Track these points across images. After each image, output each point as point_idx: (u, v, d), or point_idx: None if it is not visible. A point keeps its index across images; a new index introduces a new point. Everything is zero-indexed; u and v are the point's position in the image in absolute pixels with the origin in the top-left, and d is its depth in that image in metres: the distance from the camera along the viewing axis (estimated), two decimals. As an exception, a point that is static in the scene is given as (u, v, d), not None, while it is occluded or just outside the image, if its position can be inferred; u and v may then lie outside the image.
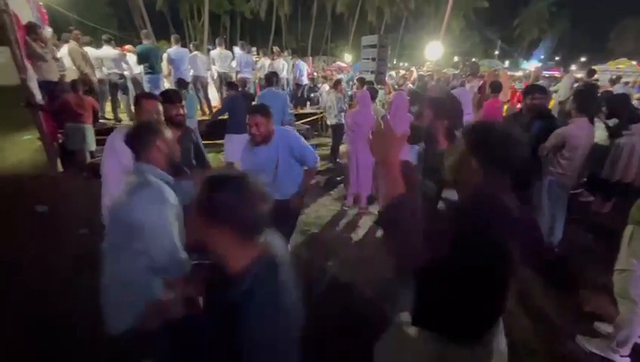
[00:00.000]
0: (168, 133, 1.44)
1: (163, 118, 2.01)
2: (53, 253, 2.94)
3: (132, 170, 1.37)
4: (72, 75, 5.56)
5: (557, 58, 35.49)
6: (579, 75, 9.19)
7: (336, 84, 5.53)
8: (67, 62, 5.68)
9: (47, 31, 5.65)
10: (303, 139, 2.43)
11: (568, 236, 3.32)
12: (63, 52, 5.76)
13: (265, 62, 8.50)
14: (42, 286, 2.52)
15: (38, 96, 4.58)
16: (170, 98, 2.18)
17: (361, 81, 5.35)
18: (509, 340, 2.17)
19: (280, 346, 0.84)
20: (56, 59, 5.34)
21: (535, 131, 2.91)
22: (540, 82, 9.26)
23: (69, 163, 4.80)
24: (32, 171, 4.91)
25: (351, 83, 9.50)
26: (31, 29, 4.56)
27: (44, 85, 4.72)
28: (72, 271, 2.67)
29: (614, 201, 4.23)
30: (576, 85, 7.34)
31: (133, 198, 1.26)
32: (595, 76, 7.29)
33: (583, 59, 31.37)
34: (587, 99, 2.78)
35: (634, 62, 14.06)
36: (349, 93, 8.00)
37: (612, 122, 3.77)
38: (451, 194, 1.23)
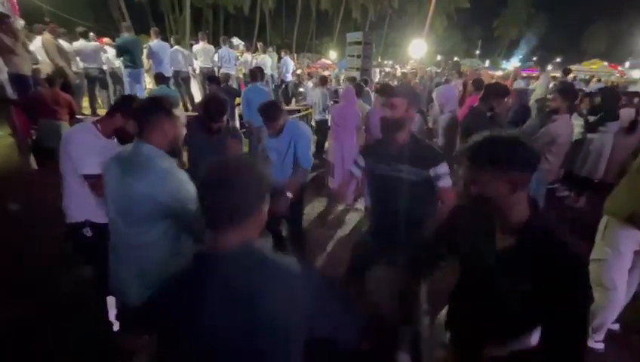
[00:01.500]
0: (179, 115, 1.40)
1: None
2: (28, 251, 2.82)
3: (131, 149, 1.33)
4: (45, 68, 5.31)
5: (534, 58, 36.70)
6: (554, 75, 9.55)
7: (323, 81, 5.52)
8: (41, 54, 5.43)
9: (19, 22, 5.36)
10: (310, 140, 2.53)
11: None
12: (36, 44, 5.51)
13: (248, 57, 8.40)
14: (17, 284, 2.42)
15: (9, 89, 4.35)
16: (212, 116, 2.22)
17: (352, 82, 5.43)
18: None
19: None
20: (29, 52, 5.09)
21: None
22: (518, 81, 9.61)
23: (43, 160, 4.60)
24: (3, 169, 4.67)
25: (334, 80, 9.54)
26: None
27: (16, 79, 4.49)
28: (46, 269, 2.59)
29: (587, 196, 4.42)
30: (552, 84, 7.63)
31: (151, 179, 1.25)
32: (570, 75, 7.58)
33: (558, 59, 32.62)
34: (573, 97, 2.89)
35: (605, 63, 14.72)
36: (333, 89, 8.02)
37: (593, 118, 3.93)
38: None
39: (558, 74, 10.27)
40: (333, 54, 24.97)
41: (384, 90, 3.81)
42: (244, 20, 30.76)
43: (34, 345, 1.97)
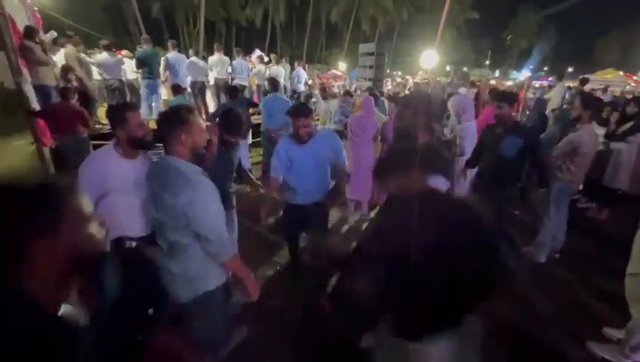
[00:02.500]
0: (197, 121, 1.43)
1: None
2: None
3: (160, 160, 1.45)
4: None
5: (545, 68, 36.41)
6: (569, 84, 9.42)
7: (346, 94, 5.54)
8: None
9: (52, 34, 5.59)
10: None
11: (569, 242, 3.34)
12: (59, 56, 5.69)
13: (261, 68, 8.52)
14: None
15: (33, 100, 4.49)
16: (230, 129, 2.27)
17: (370, 92, 5.46)
18: (517, 345, 2.16)
19: None
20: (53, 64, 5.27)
21: (512, 150, 2.57)
22: (532, 91, 9.51)
23: (62, 168, 4.70)
24: (24, 177, 4.77)
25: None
26: (31, 33, 4.49)
27: (40, 89, 4.63)
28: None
29: (612, 208, 4.28)
30: (568, 94, 7.52)
31: (187, 193, 1.32)
32: (587, 85, 7.47)
33: (570, 69, 32.26)
34: (597, 106, 2.83)
35: (621, 73, 14.48)
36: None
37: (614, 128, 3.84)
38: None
39: (571, 83, 10.15)
40: (342, 65, 25.20)
41: (394, 99, 3.82)
42: (255, 33, 31.40)
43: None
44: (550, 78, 15.67)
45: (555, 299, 2.67)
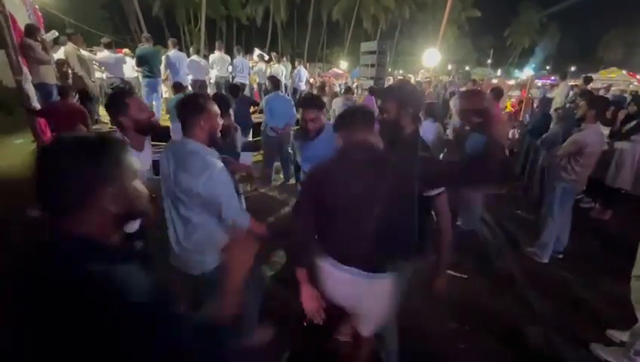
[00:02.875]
0: (214, 108, 1.53)
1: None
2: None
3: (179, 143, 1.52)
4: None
5: (548, 67, 36.27)
6: (572, 83, 9.37)
7: (347, 91, 5.51)
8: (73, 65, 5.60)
9: (53, 33, 5.56)
10: None
11: (572, 242, 3.31)
12: (59, 54, 5.67)
13: (262, 66, 8.49)
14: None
15: (34, 99, 4.47)
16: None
17: (347, 89, 5.43)
18: (521, 347, 2.14)
19: None
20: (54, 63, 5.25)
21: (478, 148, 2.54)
22: (534, 89, 9.47)
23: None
24: (24, 175, 4.76)
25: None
26: (32, 32, 4.47)
27: (40, 88, 4.61)
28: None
29: (615, 208, 4.26)
30: (571, 93, 7.47)
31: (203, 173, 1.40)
32: (590, 85, 7.42)
33: (573, 68, 32.12)
34: (602, 105, 2.79)
35: (624, 72, 14.39)
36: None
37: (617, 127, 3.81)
38: None
39: (574, 82, 10.09)
40: (344, 64, 25.12)
41: (376, 91, 3.75)
42: (256, 31, 31.35)
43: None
44: (553, 77, 15.61)
45: (557, 300, 2.65)
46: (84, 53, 5.84)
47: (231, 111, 2.47)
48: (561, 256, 3.23)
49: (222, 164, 1.51)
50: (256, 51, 9.54)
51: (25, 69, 4.32)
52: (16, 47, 4.17)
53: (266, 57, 9.13)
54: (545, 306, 2.57)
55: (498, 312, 2.51)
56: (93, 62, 6.13)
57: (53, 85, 4.78)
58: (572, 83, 9.70)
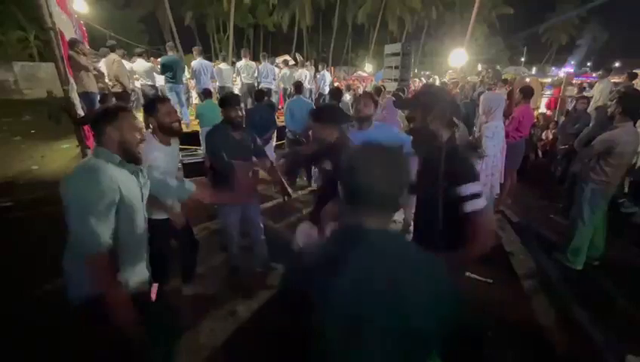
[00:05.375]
0: (129, 121, 1.39)
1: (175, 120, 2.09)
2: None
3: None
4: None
5: (589, 64, 34.01)
6: (615, 80, 8.73)
7: (378, 93, 5.46)
8: (110, 74, 6.04)
9: (102, 50, 6.07)
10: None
11: (611, 249, 3.11)
12: (102, 64, 6.12)
13: (286, 71, 8.66)
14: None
15: (79, 106, 4.86)
16: (228, 102, 2.39)
17: (377, 91, 5.37)
18: (548, 357, 2.04)
19: None
20: (100, 73, 5.66)
21: None
22: (570, 88, 8.91)
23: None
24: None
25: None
26: (73, 44, 4.88)
27: (84, 96, 5.00)
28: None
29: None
30: (615, 90, 6.96)
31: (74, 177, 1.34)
32: (636, 80, 6.87)
33: (617, 64, 29.90)
34: (634, 102, 2.61)
35: (676, 66, 13.21)
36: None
37: None
38: None
39: (618, 79, 9.39)
40: (369, 67, 24.99)
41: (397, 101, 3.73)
42: (282, 37, 32.01)
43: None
44: (595, 75, 14.63)
45: (591, 308, 2.50)
46: (124, 62, 6.28)
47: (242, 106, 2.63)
48: (597, 263, 3.04)
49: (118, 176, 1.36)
50: (282, 57, 9.75)
51: (71, 79, 4.71)
52: (64, 60, 4.56)
53: (291, 62, 9.31)
54: (576, 314, 2.44)
55: (524, 319, 2.41)
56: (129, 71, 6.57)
57: (95, 93, 5.17)
58: (615, 80, 9.05)
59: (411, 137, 1.53)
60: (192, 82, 7.06)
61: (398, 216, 3.98)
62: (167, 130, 2.02)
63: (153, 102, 2.05)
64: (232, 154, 2.31)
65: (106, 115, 1.37)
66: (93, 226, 1.23)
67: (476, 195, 1.31)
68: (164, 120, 1.99)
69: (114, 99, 5.44)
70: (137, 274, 1.48)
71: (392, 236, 0.86)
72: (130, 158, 1.40)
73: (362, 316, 0.73)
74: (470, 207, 1.31)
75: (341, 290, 0.74)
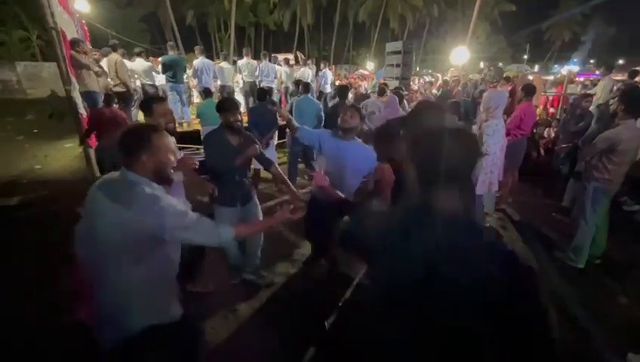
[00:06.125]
0: (163, 141, 1.28)
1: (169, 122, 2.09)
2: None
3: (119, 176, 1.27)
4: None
5: (592, 61, 33.75)
6: (618, 78, 8.66)
7: (382, 93, 5.43)
8: (110, 72, 6.05)
9: (104, 49, 6.09)
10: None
11: (613, 247, 3.10)
12: (104, 63, 6.13)
13: (287, 69, 8.66)
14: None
15: (81, 105, 4.89)
16: (225, 107, 2.30)
17: (382, 91, 5.35)
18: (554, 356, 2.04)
19: None
20: (104, 72, 5.67)
21: None
22: (572, 86, 8.86)
23: (106, 169, 5.07)
24: (72, 176, 5.23)
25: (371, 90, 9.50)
26: (75, 43, 4.90)
27: (86, 95, 5.02)
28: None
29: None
30: (615, 88, 6.92)
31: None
32: (638, 78, 6.83)
33: (620, 61, 29.69)
34: (636, 99, 2.60)
35: (680, 63, 13.10)
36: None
37: None
38: None
39: (621, 76, 9.32)
40: (370, 65, 24.93)
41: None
42: (283, 35, 31.98)
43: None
44: (597, 72, 14.53)
45: (592, 306, 2.50)
46: (125, 61, 6.29)
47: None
48: (598, 261, 3.03)
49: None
50: (282, 56, 9.74)
51: (73, 79, 4.73)
52: (65, 60, 4.58)
53: (292, 61, 9.30)
54: (577, 313, 2.43)
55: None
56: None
57: (98, 93, 5.20)
58: (619, 77, 8.98)
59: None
60: (194, 81, 7.06)
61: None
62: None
63: (149, 102, 2.05)
64: (228, 160, 2.27)
65: (140, 141, 1.24)
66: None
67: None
68: (158, 120, 1.99)
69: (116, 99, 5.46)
70: None
71: (460, 221, 0.82)
72: (163, 181, 1.30)
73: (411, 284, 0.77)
74: None
75: (403, 257, 0.78)
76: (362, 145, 2.33)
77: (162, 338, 1.29)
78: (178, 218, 1.20)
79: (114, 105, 4.56)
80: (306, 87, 5.03)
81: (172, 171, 1.34)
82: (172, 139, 1.92)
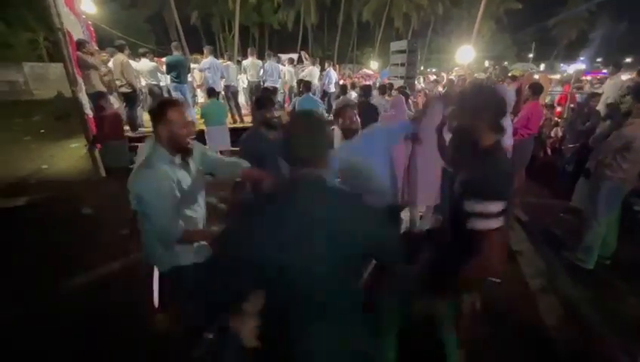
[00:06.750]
0: (177, 117, 1.50)
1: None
2: (97, 252, 3.11)
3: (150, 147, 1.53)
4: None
5: (599, 60, 33.34)
6: (626, 77, 8.54)
7: (383, 91, 5.38)
8: (116, 73, 6.08)
9: (109, 49, 6.12)
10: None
11: (622, 248, 3.05)
12: (115, 63, 6.17)
13: (291, 70, 8.65)
14: (87, 281, 2.68)
15: (87, 106, 4.92)
16: (263, 103, 2.33)
17: (383, 89, 5.31)
18: (557, 358, 2.01)
19: None
20: (110, 71, 5.70)
21: None
22: (577, 84, 8.73)
23: (111, 169, 5.10)
24: (78, 176, 5.27)
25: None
26: (81, 44, 4.93)
27: (92, 96, 5.06)
28: (113, 268, 2.85)
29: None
30: (625, 86, 6.80)
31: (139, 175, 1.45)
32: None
33: (628, 59, 29.28)
34: None
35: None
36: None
37: None
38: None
39: (628, 75, 9.18)
40: (374, 64, 24.85)
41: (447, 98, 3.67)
42: (287, 35, 31.98)
43: (97, 338, 2.13)
44: (605, 71, 14.34)
45: (601, 308, 2.45)
46: (130, 61, 6.32)
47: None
48: (608, 262, 2.98)
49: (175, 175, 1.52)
50: (287, 56, 9.74)
51: (79, 80, 4.77)
52: (72, 61, 4.61)
53: (295, 61, 9.29)
54: (587, 315, 2.40)
55: (533, 320, 2.38)
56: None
57: (106, 93, 5.24)
58: (626, 76, 8.85)
59: (451, 136, 1.51)
60: (199, 80, 7.05)
61: (404, 216, 3.95)
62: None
63: (162, 107, 1.88)
64: (273, 158, 2.09)
65: (153, 115, 1.50)
66: (169, 222, 1.47)
67: (486, 215, 1.17)
68: (179, 132, 1.88)
69: (115, 99, 5.49)
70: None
71: (315, 184, 0.96)
72: (181, 150, 1.54)
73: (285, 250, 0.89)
74: (474, 225, 1.20)
75: (261, 237, 0.89)
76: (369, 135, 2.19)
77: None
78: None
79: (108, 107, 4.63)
80: (307, 86, 5.03)
81: (188, 142, 1.56)
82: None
